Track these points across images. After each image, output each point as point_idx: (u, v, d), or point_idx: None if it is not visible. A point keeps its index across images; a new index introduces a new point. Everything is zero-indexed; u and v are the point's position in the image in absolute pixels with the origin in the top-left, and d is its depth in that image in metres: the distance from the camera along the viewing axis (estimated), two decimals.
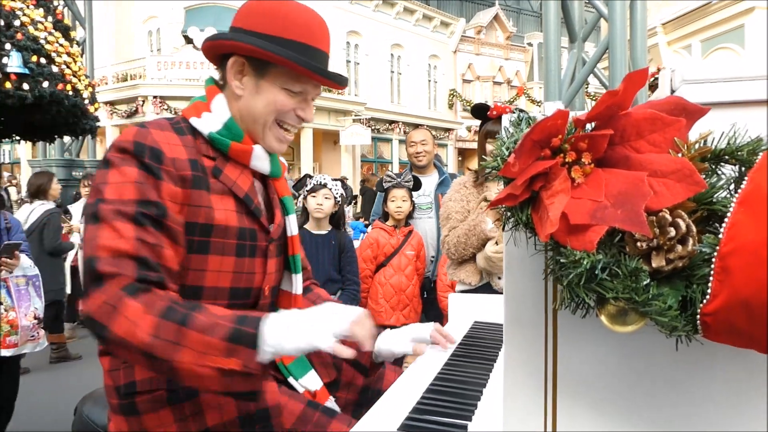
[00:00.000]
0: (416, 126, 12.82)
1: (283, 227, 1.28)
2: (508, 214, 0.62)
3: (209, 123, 1.13)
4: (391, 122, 20.30)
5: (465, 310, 1.86)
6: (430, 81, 22.86)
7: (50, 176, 4.92)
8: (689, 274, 0.58)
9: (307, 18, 1.14)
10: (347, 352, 0.96)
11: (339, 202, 2.95)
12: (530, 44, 25.09)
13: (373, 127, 19.08)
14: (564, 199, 0.57)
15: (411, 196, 3.17)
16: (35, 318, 2.86)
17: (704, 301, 0.56)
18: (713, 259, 0.55)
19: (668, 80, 0.71)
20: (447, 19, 22.88)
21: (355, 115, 18.07)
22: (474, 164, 3.78)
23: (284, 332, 0.95)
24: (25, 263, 2.84)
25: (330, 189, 2.89)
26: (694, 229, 0.57)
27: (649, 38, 8.38)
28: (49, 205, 4.68)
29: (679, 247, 0.57)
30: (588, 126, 0.63)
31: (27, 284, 2.84)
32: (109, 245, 0.95)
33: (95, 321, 0.94)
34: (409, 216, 3.20)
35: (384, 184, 3.18)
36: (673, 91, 0.73)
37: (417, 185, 3.19)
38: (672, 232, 0.56)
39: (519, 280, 0.73)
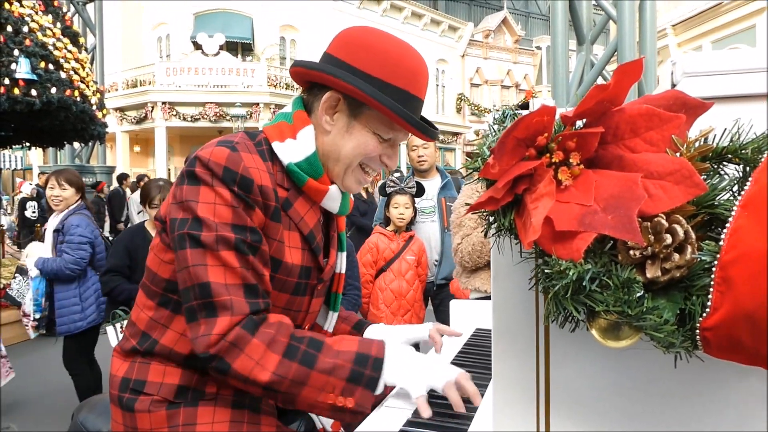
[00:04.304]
0: None
1: (333, 265, 1.23)
2: (491, 219, 0.57)
3: (292, 152, 1.07)
4: None
5: (467, 317, 1.80)
6: (438, 85, 22.89)
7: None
8: (687, 285, 0.53)
9: (414, 64, 1.08)
10: (427, 413, 1.00)
11: None
12: (539, 47, 25.06)
13: None
14: (549, 203, 0.52)
15: (414, 203, 3.11)
16: None
17: (704, 314, 0.52)
18: (714, 269, 0.51)
19: (669, 73, 0.66)
20: (455, 23, 22.90)
21: None
22: None
23: (396, 372, 1.01)
24: None
25: None
26: (693, 235, 0.53)
27: (659, 40, 8.30)
28: None
29: (677, 256, 0.52)
30: (578, 123, 0.58)
31: None
32: (218, 273, 0.96)
33: (215, 356, 0.95)
34: (411, 221, 3.14)
35: (387, 188, 3.12)
36: (674, 85, 0.67)
37: (420, 191, 3.13)
38: (668, 239, 0.52)
39: (507, 290, 0.68)
